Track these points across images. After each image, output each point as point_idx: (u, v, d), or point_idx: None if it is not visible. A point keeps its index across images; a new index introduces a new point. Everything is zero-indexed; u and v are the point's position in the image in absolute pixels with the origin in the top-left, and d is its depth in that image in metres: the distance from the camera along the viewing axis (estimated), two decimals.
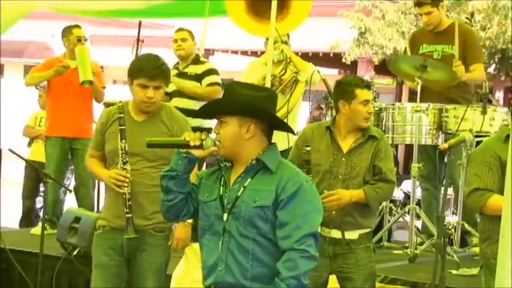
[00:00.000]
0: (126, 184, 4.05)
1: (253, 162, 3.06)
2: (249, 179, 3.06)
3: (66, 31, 6.81)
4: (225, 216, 3.05)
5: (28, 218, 7.96)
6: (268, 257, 3.02)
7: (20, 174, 8.13)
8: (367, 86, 4.27)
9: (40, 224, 5.79)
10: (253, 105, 3.04)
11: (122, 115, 4.13)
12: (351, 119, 4.24)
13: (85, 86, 6.47)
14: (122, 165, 4.08)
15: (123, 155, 4.08)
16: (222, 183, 3.11)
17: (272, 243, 3.02)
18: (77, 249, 5.58)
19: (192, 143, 3.04)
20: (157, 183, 4.05)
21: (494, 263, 3.66)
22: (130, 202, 4.06)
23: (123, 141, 4.08)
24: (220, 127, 3.07)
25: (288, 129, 3.22)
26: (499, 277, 2.69)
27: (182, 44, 6.41)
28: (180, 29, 6.54)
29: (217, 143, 3.06)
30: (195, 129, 6.06)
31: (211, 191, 3.12)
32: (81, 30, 6.82)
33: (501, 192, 3.67)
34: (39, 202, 8.00)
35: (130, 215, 4.05)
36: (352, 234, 4.21)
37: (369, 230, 4.29)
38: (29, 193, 8.01)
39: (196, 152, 3.08)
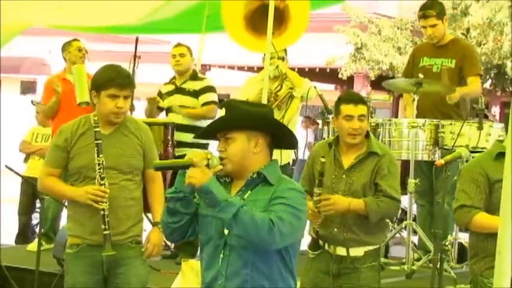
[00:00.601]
0: (104, 200, 3.95)
1: (254, 176, 3.07)
2: (249, 192, 3.07)
3: (66, 44, 6.82)
4: (226, 230, 3.04)
5: (24, 234, 7.94)
6: (268, 268, 3.03)
7: (16, 190, 8.12)
8: (354, 101, 4.22)
9: (36, 240, 5.77)
10: (268, 118, 3.08)
11: (98, 129, 4.00)
12: (340, 135, 4.28)
13: (82, 107, 6.49)
14: (99, 181, 3.97)
15: (101, 169, 3.97)
16: None
17: (271, 254, 3.02)
18: None
19: (199, 164, 2.99)
20: (134, 196, 4.07)
21: (481, 280, 3.70)
22: (108, 218, 3.95)
23: (101, 155, 3.97)
24: (227, 144, 3.05)
25: (292, 143, 3.24)
26: None
27: (180, 59, 6.42)
28: (179, 44, 6.55)
29: (223, 160, 3.03)
30: (191, 145, 6.14)
31: None
32: (80, 43, 6.84)
33: (488, 209, 3.72)
34: (35, 218, 7.98)
35: (108, 232, 3.94)
36: (357, 251, 4.19)
37: (376, 247, 4.25)
38: (25, 209, 7.99)
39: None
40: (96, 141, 3.99)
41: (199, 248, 3.20)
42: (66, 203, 6.83)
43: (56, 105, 6.71)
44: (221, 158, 3.04)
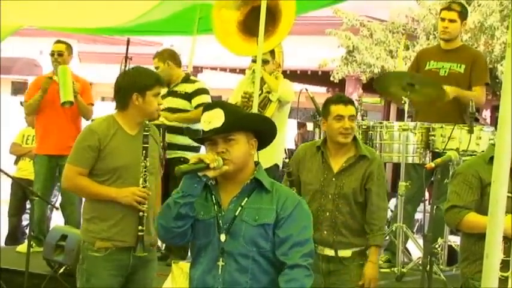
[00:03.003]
0: (146, 201, 4.06)
1: (249, 182, 3.06)
2: (246, 199, 3.05)
3: (51, 48, 6.85)
4: (223, 236, 3.02)
5: (14, 235, 7.92)
6: (267, 276, 3.03)
7: (7, 192, 8.09)
8: (343, 101, 4.27)
9: (26, 241, 5.75)
10: (267, 120, 3.16)
11: (148, 132, 4.10)
12: (330, 135, 4.28)
13: (65, 107, 6.49)
14: (143, 183, 4.06)
15: (146, 172, 4.07)
16: (214, 202, 3.09)
17: (270, 263, 3.03)
18: (63, 267, 5.54)
19: (212, 165, 2.96)
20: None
21: (472, 283, 3.71)
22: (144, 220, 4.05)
23: (148, 158, 4.08)
24: (229, 145, 3.02)
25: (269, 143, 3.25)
26: None
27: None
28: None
29: (225, 161, 3.00)
30: (183, 147, 6.13)
31: (205, 209, 3.08)
32: (56, 45, 6.84)
33: (479, 212, 3.73)
34: (25, 219, 7.96)
35: (142, 233, 4.03)
36: (345, 253, 4.27)
37: (362, 248, 4.32)
38: (15, 211, 7.97)
39: (210, 173, 2.99)
40: (144, 145, 4.08)
41: (191, 251, 3.17)
42: (56, 204, 6.91)
43: (37, 103, 6.71)
44: (223, 159, 3.01)
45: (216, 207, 3.07)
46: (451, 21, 6.02)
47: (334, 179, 4.24)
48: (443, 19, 6.07)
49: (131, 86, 4.10)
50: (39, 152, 6.81)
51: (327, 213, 4.26)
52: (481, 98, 6.06)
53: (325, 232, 4.22)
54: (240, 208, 3.04)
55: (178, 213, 3.01)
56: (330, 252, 4.25)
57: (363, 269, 4.29)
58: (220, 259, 3.02)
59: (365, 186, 4.24)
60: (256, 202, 3.04)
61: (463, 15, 6.05)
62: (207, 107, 3.09)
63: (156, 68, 6.36)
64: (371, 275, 4.24)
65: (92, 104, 6.90)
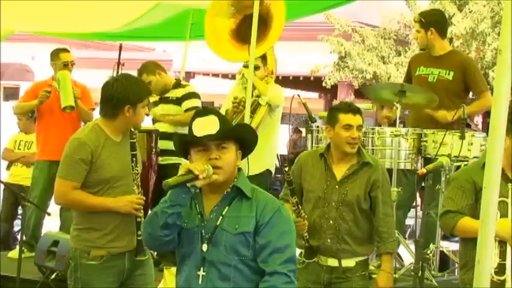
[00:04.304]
0: (141, 207, 4.12)
1: (229, 190, 3.06)
2: (226, 207, 3.05)
3: (54, 54, 6.80)
4: (205, 246, 3.02)
5: (5, 241, 7.88)
6: (249, 283, 3.01)
7: None
8: (352, 111, 4.23)
9: (18, 247, 5.73)
10: (254, 131, 3.17)
11: (134, 140, 4.13)
12: (336, 144, 4.25)
13: (66, 112, 6.49)
14: (137, 189, 4.11)
15: (138, 179, 4.12)
16: (198, 211, 3.08)
17: (252, 270, 3.02)
18: (55, 273, 5.53)
19: (201, 176, 2.93)
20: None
21: None
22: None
23: (139, 165, 4.13)
24: (222, 153, 3.01)
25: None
26: None
27: None
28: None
29: (216, 169, 2.98)
30: (176, 153, 6.13)
31: (189, 217, 3.07)
32: (68, 55, 6.82)
33: (474, 216, 3.74)
34: (17, 225, 7.93)
35: (141, 237, 4.02)
36: (349, 262, 4.21)
37: (366, 257, 4.28)
38: (7, 216, 7.94)
39: (199, 183, 2.97)
40: (132, 152, 4.12)
41: (177, 258, 3.18)
42: (49, 210, 6.88)
43: (29, 109, 6.72)
44: (214, 167, 2.98)
45: (199, 216, 3.06)
46: (417, 31, 6.11)
47: (337, 186, 4.21)
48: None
49: (125, 98, 4.07)
50: (40, 158, 6.79)
51: (331, 221, 4.20)
52: (489, 105, 6.06)
53: (329, 240, 4.18)
54: (221, 217, 3.03)
55: (166, 223, 3.00)
56: (333, 262, 4.19)
57: (366, 280, 4.24)
58: (201, 268, 3.02)
59: (370, 193, 4.21)
60: (236, 210, 3.03)
61: (426, 23, 6.02)
62: (199, 112, 3.09)
63: (149, 82, 6.34)
64: (385, 284, 4.16)
65: (93, 109, 6.88)
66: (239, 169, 3.12)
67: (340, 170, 4.24)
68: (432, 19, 6.11)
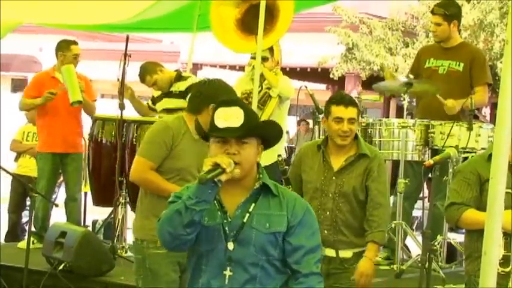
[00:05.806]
0: None
1: (258, 186, 2.95)
2: (253, 204, 2.92)
3: (64, 46, 6.76)
4: (230, 245, 2.89)
5: (14, 232, 7.92)
6: (273, 283, 2.95)
7: (6, 188, 8.10)
8: (344, 103, 4.18)
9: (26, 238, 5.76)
10: (278, 126, 3.03)
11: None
12: (329, 135, 4.27)
13: (75, 106, 6.51)
14: None
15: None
16: (218, 207, 2.93)
17: (276, 270, 2.95)
18: (63, 264, 5.54)
19: (228, 169, 2.81)
20: None
21: (474, 280, 3.71)
22: None
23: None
24: (242, 148, 2.88)
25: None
26: None
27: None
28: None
29: (236, 164, 2.85)
30: None
31: (210, 213, 2.90)
32: (78, 48, 6.84)
33: (479, 208, 3.74)
34: (25, 216, 7.96)
35: None
36: (346, 253, 4.23)
37: (364, 248, 4.27)
38: (15, 207, 7.98)
39: (224, 177, 2.82)
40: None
41: (189, 257, 3.01)
42: (57, 201, 6.90)
43: (32, 106, 6.76)
44: (234, 162, 2.86)
45: (220, 212, 2.92)
46: (437, 24, 5.99)
47: (334, 177, 4.23)
48: (432, 22, 6.10)
49: (212, 96, 3.99)
50: (43, 150, 6.80)
51: (327, 213, 4.22)
52: (483, 99, 6.04)
53: (326, 231, 4.18)
54: (247, 214, 2.90)
55: (192, 220, 2.82)
56: (330, 252, 4.21)
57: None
58: (228, 268, 2.90)
59: (365, 183, 4.22)
60: (265, 208, 2.92)
61: (450, 16, 5.94)
62: (225, 102, 2.97)
63: (155, 82, 6.35)
64: (365, 270, 4.14)
65: (95, 100, 6.91)
66: (258, 165, 2.99)
67: (337, 162, 4.25)
68: (454, 11, 6.05)
